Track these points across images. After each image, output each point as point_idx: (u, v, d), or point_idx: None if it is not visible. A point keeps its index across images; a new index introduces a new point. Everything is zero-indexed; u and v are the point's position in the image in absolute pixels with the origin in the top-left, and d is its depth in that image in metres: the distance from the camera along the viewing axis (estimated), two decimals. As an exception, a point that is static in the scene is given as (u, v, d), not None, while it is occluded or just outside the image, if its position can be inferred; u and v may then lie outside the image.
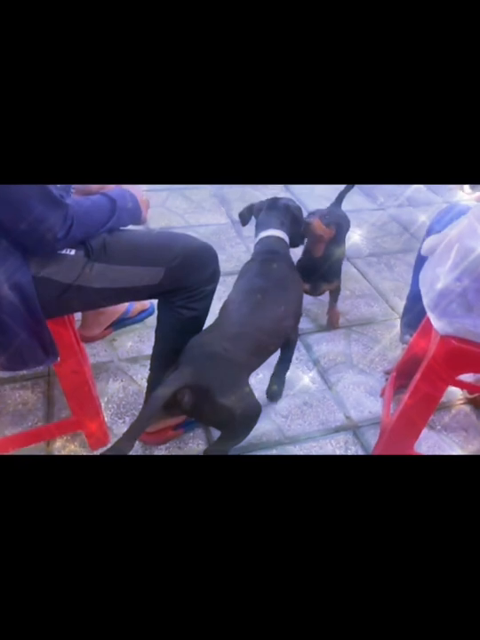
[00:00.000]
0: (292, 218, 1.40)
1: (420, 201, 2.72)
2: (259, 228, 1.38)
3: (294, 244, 1.43)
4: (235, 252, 2.17)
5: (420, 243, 1.26)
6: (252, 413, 1.07)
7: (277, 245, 1.32)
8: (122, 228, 1.03)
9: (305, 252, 1.67)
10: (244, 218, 1.47)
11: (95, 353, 1.61)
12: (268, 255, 1.28)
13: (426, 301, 1.06)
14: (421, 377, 1.09)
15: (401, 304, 1.95)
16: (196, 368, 1.00)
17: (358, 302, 1.94)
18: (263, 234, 1.35)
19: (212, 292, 1.13)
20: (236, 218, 2.43)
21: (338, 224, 1.58)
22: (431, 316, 1.04)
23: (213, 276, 1.11)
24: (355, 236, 2.34)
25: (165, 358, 1.18)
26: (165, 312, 1.12)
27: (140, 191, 1.11)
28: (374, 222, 2.46)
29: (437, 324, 1.02)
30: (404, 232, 2.41)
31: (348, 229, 1.76)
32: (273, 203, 1.41)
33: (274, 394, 1.48)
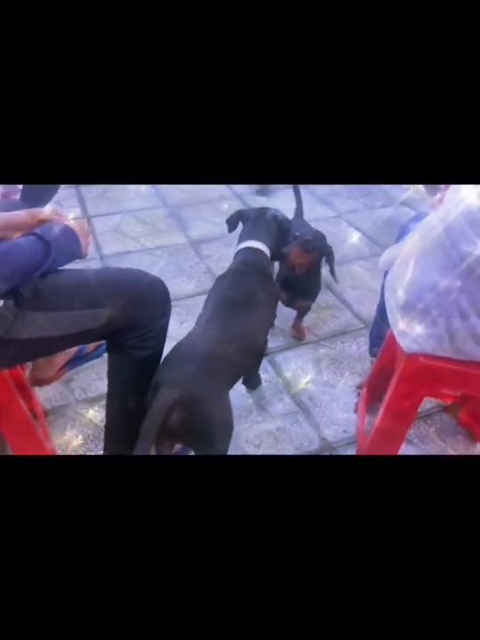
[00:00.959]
0: (278, 230, 1.34)
1: (377, 204, 2.72)
2: (241, 238, 1.33)
3: (276, 257, 1.38)
4: (194, 272, 2.10)
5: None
6: (231, 430, 1.03)
7: (256, 258, 1.26)
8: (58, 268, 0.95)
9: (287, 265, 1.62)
10: (232, 223, 1.40)
11: (50, 397, 1.50)
12: (244, 267, 1.23)
13: (390, 317, 1.01)
14: (392, 396, 1.04)
15: (366, 312, 1.92)
16: (179, 384, 0.93)
17: (324, 314, 1.89)
18: (243, 245, 1.29)
19: (165, 326, 1.05)
20: (195, 237, 2.38)
21: (319, 249, 1.52)
22: (395, 332, 0.99)
23: (164, 311, 1.04)
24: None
25: (121, 404, 1.10)
26: (115, 354, 1.04)
27: (79, 222, 1.02)
28: (331, 230, 2.43)
29: (402, 341, 0.98)
30: (362, 237, 2.39)
31: (332, 256, 1.70)
32: (261, 213, 1.36)
33: (254, 383, 1.51)
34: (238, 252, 1.29)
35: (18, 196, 2.09)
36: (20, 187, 2.06)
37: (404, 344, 0.97)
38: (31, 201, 1.92)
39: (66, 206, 2.50)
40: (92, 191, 2.64)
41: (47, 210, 0.99)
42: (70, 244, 0.95)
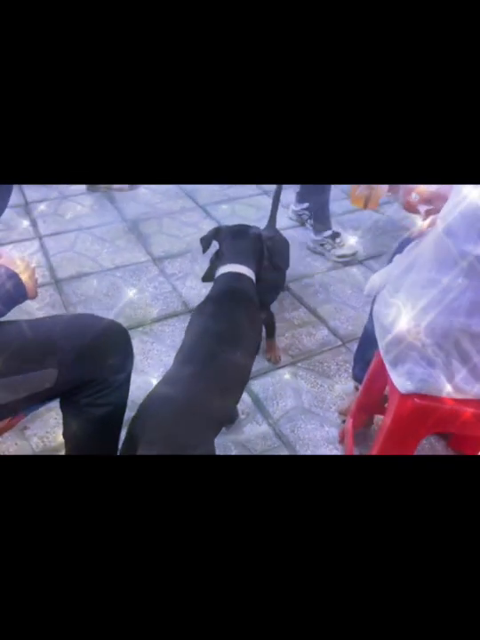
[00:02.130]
0: (261, 251, 1.20)
1: (341, 214, 2.64)
2: (220, 260, 1.17)
3: (260, 279, 1.22)
4: (159, 293, 1.95)
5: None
6: None
7: (240, 284, 1.11)
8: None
9: None
10: (207, 242, 1.24)
11: (4, 450, 1.33)
12: (226, 295, 1.08)
13: (382, 352, 0.92)
14: (385, 439, 0.95)
15: (342, 327, 1.84)
16: (157, 440, 0.81)
17: (299, 332, 1.80)
18: (225, 269, 1.13)
19: (127, 378, 0.92)
20: (157, 254, 2.23)
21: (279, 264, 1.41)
22: (389, 370, 0.89)
23: (125, 362, 0.90)
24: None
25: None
26: (71, 415, 0.90)
27: (20, 259, 0.86)
28: (299, 240, 2.34)
29: (397, 379, 0.88)
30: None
31: (287, 256, 1.60)
32: (241, 231, 1.20)
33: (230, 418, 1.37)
34: (219, 277, 1.14)
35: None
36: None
37: (399, 382, 0.88)
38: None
39: (13, 225, 2.31)
40: (41, 208, 2.45)
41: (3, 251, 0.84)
42: (9, 289, 0.80)
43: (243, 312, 1.07)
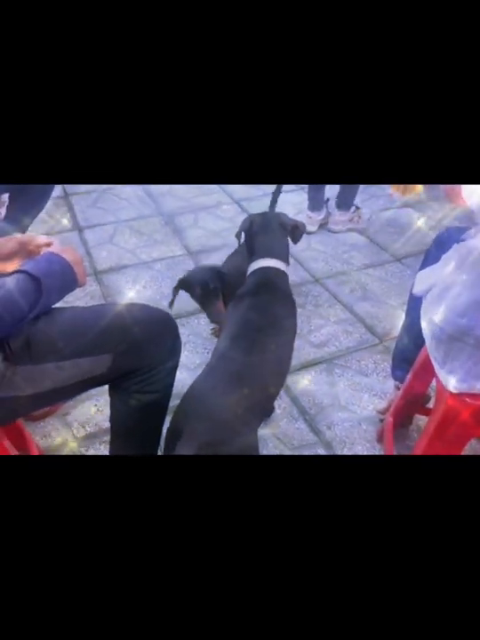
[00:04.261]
0: (286, 238, 1.19)
1: (381, 206, 2.60)
2: (252, 255, 1.15)
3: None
4: (195, 286, 1.96)
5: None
6: None
7: (276, 278, 1.10)
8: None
9: None
10: (242, 235, 1.23)
11: (45, 433, 1.38)
12: (263, 288, 1.07)
13: (431, 351, 0.90)
14: (432, 439, 0.93)
15: (380, 326, 1.82)
16: (201, 434, 0.81)
17: (335, 330, 1.78)
18: (257, 265, 1.11)
19: (174, 367, 0.93)
20: (194, 248, 2.25)
21: None
22: (438, 370, 0.88)
23: (173, 351, 0.91)
24: (319, 254, 2.19)
25: (125, 449, 0.98)
26: (118, 400, 0.91)
27: (69, 249, 0.89)
28: (337, 236, 2.32)
29: (447, 380, 0.86)
30: (370, 245, 2.28)
31: None
32: (267, 220, 1.17)
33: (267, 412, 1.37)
34: (253, 272, 1.12)
35: (3, 210, 1.95)
36: (5, 199, 1.93)
37: (450, 383, 0.86)
38: (17, 216, 1.79)
39: (55, 218, 2.36)
40: (82, 201, 2.50)
41: (41, 238, 0.86)
42: (64, 278, 0.82)
43: (281, 306, 1.06)
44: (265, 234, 1.17)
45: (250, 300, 1.05)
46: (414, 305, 1.11)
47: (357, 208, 2.31)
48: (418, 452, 0.97)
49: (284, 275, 1.13)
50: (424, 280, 0.95)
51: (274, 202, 1.65)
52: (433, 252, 1.09)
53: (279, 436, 1.38)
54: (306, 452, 1.34)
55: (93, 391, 1.45)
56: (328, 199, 2.31)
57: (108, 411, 1.25)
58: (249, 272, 1.15)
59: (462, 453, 0.95)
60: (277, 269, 1.12)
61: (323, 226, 2.34)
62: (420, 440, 0.97)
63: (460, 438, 0.89)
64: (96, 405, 1.45)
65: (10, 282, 0.74)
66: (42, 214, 1.93)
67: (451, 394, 0.87)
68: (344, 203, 2.26)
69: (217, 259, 2.16)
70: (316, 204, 2.27)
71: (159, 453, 1.02)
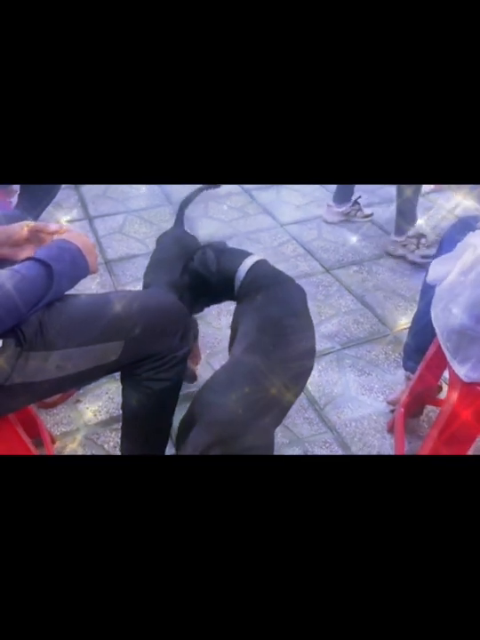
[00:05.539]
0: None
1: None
2: (236, 259, 1.11)
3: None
4: (205, 276, 1.96)
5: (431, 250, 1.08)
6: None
7: (274, 270, 1.08)
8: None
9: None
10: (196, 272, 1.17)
11: (57, 421, 1.39)
12: (274, 279, 1.04)
13: (442, 341, 0.89)
14: (444, 428, 0.92)
15: (391, 316, 1.80)
16: (220, 418, 0.79)
17: (346, 320, 1.77)
18: (248, 262, 1.08)
19: (185, 355, 0.93)
20: (203, 237, 2.23)
21: None
22: (451, 360, 0.87)
23: (184, 339, 0.91)
24: (330, 244, 2.17)
25: (138, 436, 0.98)
26: (130, 387, 0.92)
27: (82, 235, 0.89)
28: (348, 226, 2.29)
29: (460, 369, 0.85)
30: (382, 234, 2.25)
31: None
32: (216, 248, 1.15)
33: None
34: (250, 269, 1.07)
35: (15, 199, 1.96)
36: (17, 188, 1.93)
37: (462, 372, 0.85)
38: (29, 205, 1.80)
39: (65, 207, 2.37)
40: (92, 190, 2.50)
41: (53, 226, 0.86)
42: (75, 265, 0.82)
43: (296, 292, 1.04)
44: (224, 248, 1.16)
45: (264, 294, 1.01)
46: (427, 294, 1.10)
47: (421, 234, 2.04)
48: (430, 441, 0.97)
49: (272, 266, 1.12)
50: (438, 269, 0.93)
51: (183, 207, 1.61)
52: (447, 242, 1.07)
53: (289, 425, 1.38)
54: (315, 442, 1.34)
55: (105, 379, 1.48)
56: (359, 196, 2.26)
57: (119, 398, 1.26)
58: (242, 274, 1.08)
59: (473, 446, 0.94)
60: (266, 261, 1.11)
61: (343, 219, 2.30)
62: (432, 429, 0.96)
63: (473, 428, 0.88)
64: (107, 393, 1.46)
65: (22, 269, 0.74)
66: (52, 204, 1.94)
67: (463, 384, 0.86)
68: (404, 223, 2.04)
69: (227, 248, 2.16)
70: (342, 196, 2.23)
71: (170, 443, 1.02)
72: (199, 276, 1.10)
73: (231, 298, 1.09)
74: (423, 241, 2.01)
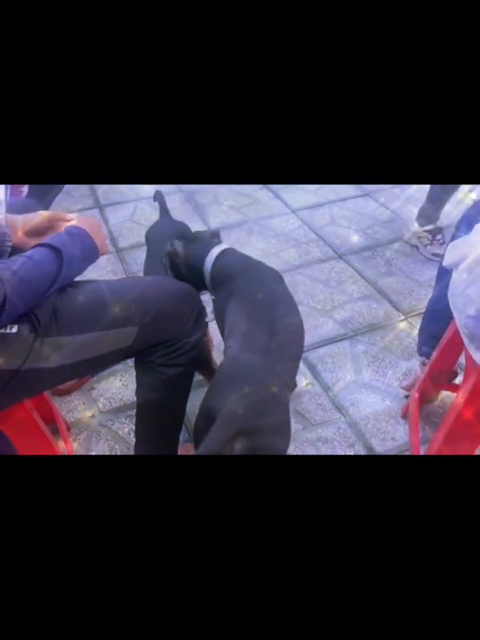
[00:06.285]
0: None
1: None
2: (201, 252, 1.11)
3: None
4: (216, 263, 1.95)
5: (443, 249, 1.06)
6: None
7: (242, 255, 1.09)
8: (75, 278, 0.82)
9: None
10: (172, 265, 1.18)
11: (72, 408, 1.41)
12: (244, 265, 1.05)
13: (460, 327, 0.87)
14: (460, 413, 0.91)
15: (405, 302, 1.78)
16: (243, 407, 0.78)
17: (359, 306, 1.75)
18: (214, 252, 1.08)
19: (198, 341, 0.93)
20: (214, 225, 2.23)
21: None
22: (468, 344, 0.85)
23: (197, 324, 0.91)
24: (343, 230, 2.14)
25: (152, 421, 0.99)
26: (144, 374, 0.92)
27: (87, 218, 0.88)
28: (361, 211, 2.26)
29: (478, 354, 0.84)
30: (396, 218, 2.21)
31: None
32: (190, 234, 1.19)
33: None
34: (219, 256, 1.08)
35: (26, 188, 1.96)
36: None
37: (478, 357, 0.83)
38: (40, 192, 1.80)
39: (75, 196, 2.37)
40: (102, 178, 2.50)
41: (71, 215, 0.87)
42: (83, 246, 0.82)
43: (269, 273, 1.04)
44: (193, 240, 1.16)
45: (240, 279, 1.00)
46: (443, 278, 1.08)
47: (439, 228, 1.97)
48: (445, 427, 0.96)
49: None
50: (454, 252, 0.91)
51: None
52: (464, 224, 1.05)
53: (302, 411, 1.38)
54: (329, 428, 1.33)
55: (118, 366, 1.49)
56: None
57: (133, 385, 1.27)
58: (210, 263, 1.08)
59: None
60: (231, 248, 1.10)
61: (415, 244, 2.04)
62: (448, 415, 0.95)
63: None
64: (121, 380, 1.47)
65: (34, 255, 0.74)
66: (63, 193, 1.94)
67: (481, 368, 0.85)
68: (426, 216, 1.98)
69: (237, 235, 2.14)
70: (428, 217, 1.97)
71: (185, 432, 1.02)
72: (174, 269, 1.12)
73: (206, 288, 1.09)
74: (439, 237, 1.96)
